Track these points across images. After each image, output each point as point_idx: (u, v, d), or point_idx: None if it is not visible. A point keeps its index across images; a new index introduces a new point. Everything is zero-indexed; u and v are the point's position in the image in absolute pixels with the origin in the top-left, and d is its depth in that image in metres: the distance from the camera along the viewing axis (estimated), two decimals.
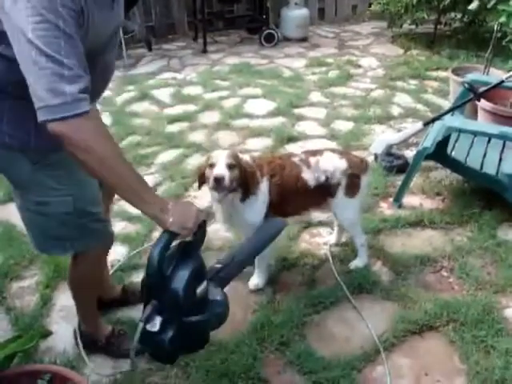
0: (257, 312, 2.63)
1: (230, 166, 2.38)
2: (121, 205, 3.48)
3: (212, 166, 2.39)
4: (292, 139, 4.37)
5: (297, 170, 2.61)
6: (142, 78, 5.99)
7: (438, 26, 6.85)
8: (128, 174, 1.66)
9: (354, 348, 2.43)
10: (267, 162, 2.62)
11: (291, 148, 4.20)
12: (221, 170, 2.35)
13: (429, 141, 3.25)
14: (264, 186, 2.55)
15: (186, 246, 1.80)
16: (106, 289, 2.68)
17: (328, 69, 6.18)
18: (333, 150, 2.84)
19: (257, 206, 2.56)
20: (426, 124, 3.70)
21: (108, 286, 2.72)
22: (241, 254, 2.15)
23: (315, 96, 5.35)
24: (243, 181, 2.44)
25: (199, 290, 1.77)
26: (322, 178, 2.62)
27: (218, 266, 2.04)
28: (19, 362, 2.32)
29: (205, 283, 1.80)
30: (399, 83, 5.62)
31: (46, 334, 2.43)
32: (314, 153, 2.72)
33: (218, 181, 2.34)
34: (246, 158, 2.57)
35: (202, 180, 2.52)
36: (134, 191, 1.67)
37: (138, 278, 2.89)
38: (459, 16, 6.66)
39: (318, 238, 3.16)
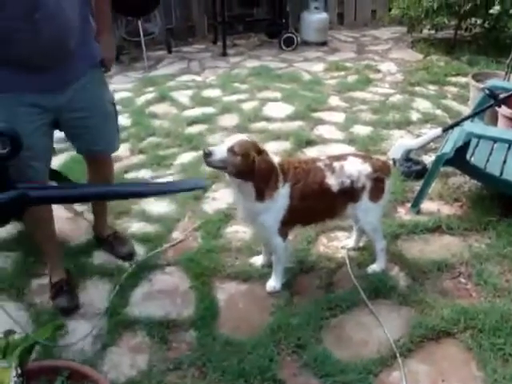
0: (274, 314, 2.63)
1: (232, 151, 2.41)
2: (141, 205, 3.53)
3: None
4: (310, 143, 4.37)
5: (321, 175, 2.61)
6: (161, 79, 6.04)
7: (458, 32, 6.84)
8: None
9: (371, 352, 2.43)
10: (293, 167, 2.62)
11: (309, 152, 4.21)
12: (216, 148, 2.44)
13: (448, 146, 3.24)
14: (285, 191, 2.55)
15: None
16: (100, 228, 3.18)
17: (347, 73, 6.19)
18: (355, 155, 2.84)
19: (274, 210, 2.57)
20: (446, 130, 3.69)
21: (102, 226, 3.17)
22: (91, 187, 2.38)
23: (334, 100, 5.36)
24: (255, 178, 2.46)
25: None
26: (347, 183, 2.62)
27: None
28: (39, 357, 2.36)
29: None
30: (418, 88, 5.61)
31: (59, 326, 2.49)
32: (338, 158, 2.72)
33: (206, 155, 2.41)
34: (274, 157, 2.59)
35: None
36: None
37: (155, 276, 2.94)
38: (480, 21, 6.63)
39: (336, 241, 3.16)
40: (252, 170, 2.43)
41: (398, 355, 2.38)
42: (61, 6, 2.22)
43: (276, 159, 2.61)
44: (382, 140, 4.40)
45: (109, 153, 2.88)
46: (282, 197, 2.55)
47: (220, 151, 2.41)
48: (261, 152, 2.48)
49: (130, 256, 3.09)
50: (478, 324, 2.49)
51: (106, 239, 3.17)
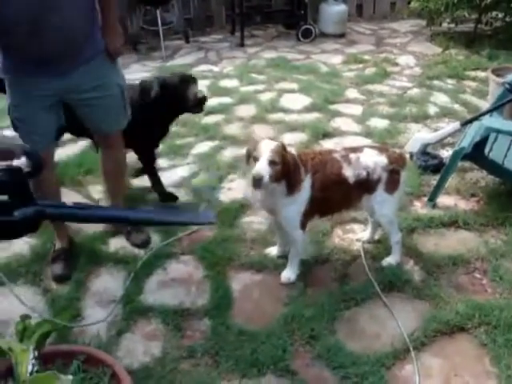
0: (288, 305, 2.64)
1: (273, 163, 2.39)
2: (156, 194, 3.54)
3: (256, 159, 2.41)
4: (327, 135, 4.37)
5: (338, 166, 2.62)
6: (178, 69, 6.00)
7: (479, 25, 6.75)
8: None
9: (384, 345, 2.43)
10: (311, 158, 2.63)
11: (326, 144, 4.20)
12: (261, 168, 2.37)
13: (466, 141, 3.22)
14: (307, 182, 2.56)
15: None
16: None
17: (365, 66, 6.15)
18: (371, 147, 2.84)
19: (298, 202, 2.59)
20: (464, 124, 3.66)
21: None
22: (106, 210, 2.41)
23: (351, 93, 5.33)
24: (287, 176, 2.47)
25: None
26: (363, 175, 2.62)
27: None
28: (55, 342, 2.39)
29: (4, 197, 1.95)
30: (436, 82, 5.56)
31: (76, 314, 2.53)
32: (354, 149, 2.73)
33: (257, 181, 2.38)
34: (291, 151, 2.60)
35: (248, 161, 2.57)
36: None
37: (170, 265, 2.96)
38: (501, 15, 6.55)
39: (351, 234, 3.16)
40: (287, 171, 2.46)
41: (411, 349, 2.38)
42: (72, 5, 2.37)
43: (293, 151, 2.62)
44: (398, 133, 4.37)
45: (114, 130, 2.92)
46: (304, 188, 2.56)
47: (264, 169, 2.38)
48: (285, 149, 2.50)
49: (145, 244, 3.12)
50: (493, 320, 2.49)
51: (123, 227, 3.20)
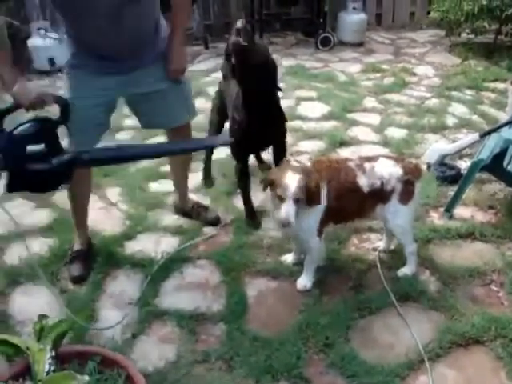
0: (303, 312, 2.64)
1: (298, 200, 2.42)
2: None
3: (282, 199, 2.43)
4: (344, 144, 4.37)
5: (352, 175, 2.62)
6: (197, 74, 6.08)
7: (499, 37, 6.73)
8: None
9: (398, 355, 2.42)
10: (325, 167, 2.64)
11: (343, 152, 4.21)
12: (289, 214, 2.41)
13: (485, 153, 3.21)
14: (323, 192, 2.56)
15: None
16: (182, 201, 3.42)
17: (383, 75, 6.16)
18: (387, 156, 2.84)
19: (315, 212, 2.59)
20: (483, 136, 3.64)
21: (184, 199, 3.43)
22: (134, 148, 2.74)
23: (369, 102, 5.34)
24: (308, 195, 2.47)
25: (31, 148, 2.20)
26: (377, 184, 2.62)
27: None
28: (71, 342, 2.42)
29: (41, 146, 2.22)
30: (455, 93, 5.55)
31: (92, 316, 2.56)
32: (369, 159, 2.73)
33: (285, 225, 2.43)
34: (306, 163, 2.61)
35: (266, 186, 2.57)
36: None
37: (186, 269, 2.98)
38: None
39: (368, 243, 3.16)
40: (312, 194, 2.48)
41: (425, 360, 2.37)
42: (139, 12, 2.51)
43: (307, 161, 2.65)
44: (416, 143, 4.37)
45: (178, 124, 2.99)
46: (322, 197, 2.57)
47: (292, 214, 2.41)
48: (309, 172, 2.50)
49: (217, 221, 3.35)
50: (510, 333, 2.46)
51: (192, 208, 3.41)
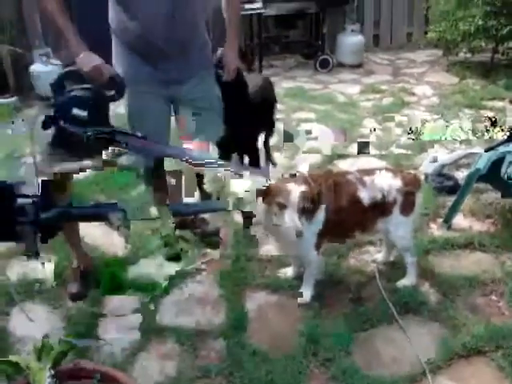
0: (303, 326, 2.63)
1: (302, 210, 2.41)
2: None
3: (281, 205, 2.42)
4: (342, 156, 4.42)
5: (353, 188, 2.63)
6: None
7: (495, 55, 6.78)
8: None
9: (400, 368, 2.41)
10: (324, 180, 2.64)
11: (341, 164, 4.26)
12: (296, 223, 2.39)
13: (482, 162, 3.22)
14: (322, 206, 2.57)
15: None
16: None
17: (382, 96, 6.20)
18: (386, 169, 2.86)
19: (313, 225, 2.58)
20: (487, 151, 3.65)
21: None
22: None
23: (369, 122, 5.37)
24: (312, 207, 2.48)
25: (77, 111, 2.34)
26: (378, 197, 2.64)
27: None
28: (71, 359, 2.41)
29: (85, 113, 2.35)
30: (454, 112, 5.57)
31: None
32: (369, 171, 2.74)
33: (300, 234, 2.40)
34: (305, 175, 2.62)
35: (263, 197, 2.51)
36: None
37: (186, 284, 2.98)
38: None
39: (366, 255, 3.16)
40: (311, 202, 2.47)
41: (427, 372, 2.35)
42: (192, 10, 2.70)
43: (305, 174, 2.64)
44: (414, 155, 4.40)
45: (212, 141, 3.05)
46: (319, 211, 2.57)
47: (297, 222, 2.39)
48: (309, 182, 2.50)
49: (217, 232, 3.39)
50: (511, 343, 2.45)
51: (192, 221, 3.43)
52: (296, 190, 2.42)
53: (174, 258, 3.08)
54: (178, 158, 2.77)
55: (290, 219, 2.39)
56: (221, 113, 2.99)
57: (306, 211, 2.46)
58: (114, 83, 2.58)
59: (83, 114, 2.37)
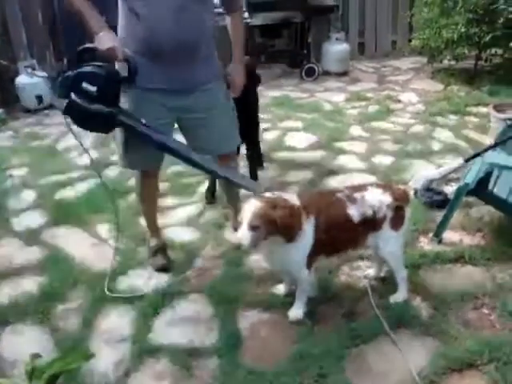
0: (296, 343, 2.63)
1: (254, 227, 2.41)
2: (164, 232, 3.58)
3: (240, 223, 2.46)
4: (332, 173, 4.42)
5: (343, 207, 2.63)
6: None
7: (479, 62, 6.85)
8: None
9: (393, 382, 2.41)
10: (314, 200, 2.64)
11: (332, 181, 4.25)
12: (241, 235, 2.42)
13: (470, 177, 3.24)
14: (310, 226, 2.56)
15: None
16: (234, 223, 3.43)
17: (368, 103, 6.24)
18: (375, 185, 2.86)
19: (301, 246, 2.57)
20: (468, 160, 3.69)
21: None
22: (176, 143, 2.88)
23: (355, 130, 5.40)
24: (278, 232, 2.46)
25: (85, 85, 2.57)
26: (369, 213, 2.64)
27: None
28: (62, 382, 2.39)
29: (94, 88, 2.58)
30: (439, 119, 5.62)
31: (89, 356, 2.50)
32: (358, 188, 2.74)
33: (240, 246, 2.44)
34: (292, 196, 2.60)
35: None
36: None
37: (178, 303, 2.96)
38: (500, 52, 6.66)
39: (358, 271, 3.16)
40: (278, 228, 2.45)
41: None
42: (200, 16, 2.76)
43: (294, 196, 2.63)
44: (403, 170, 4.41)
45: (227, 151, 3.16)
46: (307, 232, 2.55)
47: (245, 236, 2.41)
48: (276, 205, 2.47)
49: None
50: (503, 356, 2.46)
51: None
52: (251, 210, 2.44)
53: (163, 269, 3.23)
54: (177, 155, 2.83)
55: (241, 234, 2.43)
56: (233, 120, 3.12)
57: (283, 238, 2.47)
58: (128, 66, 2.67)
59: (92, 88, 2.56)
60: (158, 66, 2.76)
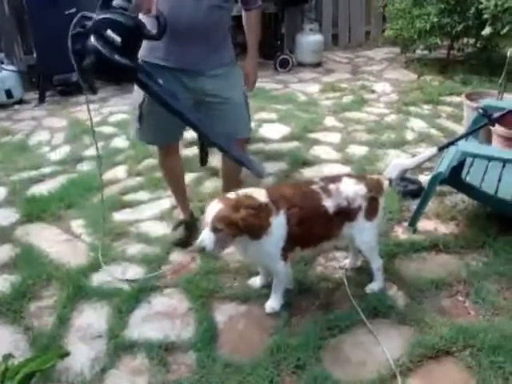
0: (273, 335, 2.63)
1: (217, 230, 2.40)
2: (138, 227, 3.55)
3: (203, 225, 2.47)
4: (307, 163, 4.41)
5: (316, 198, 2.62)
6: None
7: (451, 52, 6.92)
8: None
9: (370, 372, 2.42)
10: (286, 194, 2.61)
11: (306, 172, 4.25)
12: (203, 238, 2.41)
13: (443, 166, 3.26)
14: (280, 220, 2.53)
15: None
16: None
17: (342, 94, 6.25)
18: (349, 175, 2.87)
19: (274, 240, 2.55)
20: (441, 149, 3.70)
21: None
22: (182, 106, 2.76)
23: (329, 121, 5.40)
24: (243, 231, 2.43)
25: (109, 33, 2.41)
26: (344, 204, 2.63)
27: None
28: (37, 382, 2.36)
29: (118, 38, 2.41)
30: (413, 108, 5.66)
31: (64, 354, 2.48)
32: (332, 179, 2.74)
33: (201, 251, 2.45)
34: (259, 192, 2.57)
35: None
36: None
37: (154, 298, 2.94)
38: (472, 42, 6.72)
39: (334, 262, 3.16)
40: (241, 229, 2.42)
41: (397, 374, 2.37)
42: (218, 10, 2.83)
43: (263, 192, 2.59)
44: (377, 160, 4.43)
45: (236, 138, 3.11)
46: (278, 226, 2.53)
47: (209, 239, 2.40)
48: (240, 205, 2.43)
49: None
50: (477, 343, 2.49)
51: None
52: (212, 213, 2.42)
53: (179, 243, 3.36)
54: (190, 124, 2.82)
55: (202, 237, 2.42)
56: (244, 107, 3.14)
57: (224, 232, 2.43)
58: (158, 23, 2.61)
59: (117, 38, 2.40)
60: (173, 45, 2.81)
